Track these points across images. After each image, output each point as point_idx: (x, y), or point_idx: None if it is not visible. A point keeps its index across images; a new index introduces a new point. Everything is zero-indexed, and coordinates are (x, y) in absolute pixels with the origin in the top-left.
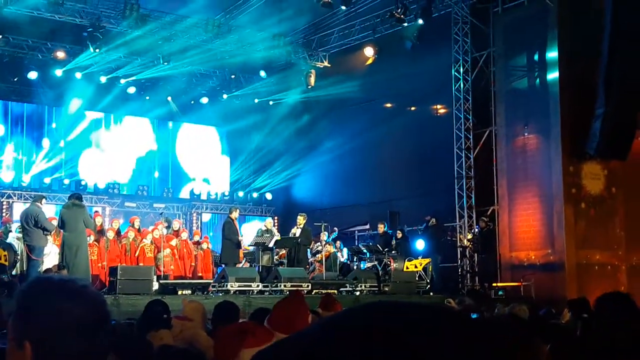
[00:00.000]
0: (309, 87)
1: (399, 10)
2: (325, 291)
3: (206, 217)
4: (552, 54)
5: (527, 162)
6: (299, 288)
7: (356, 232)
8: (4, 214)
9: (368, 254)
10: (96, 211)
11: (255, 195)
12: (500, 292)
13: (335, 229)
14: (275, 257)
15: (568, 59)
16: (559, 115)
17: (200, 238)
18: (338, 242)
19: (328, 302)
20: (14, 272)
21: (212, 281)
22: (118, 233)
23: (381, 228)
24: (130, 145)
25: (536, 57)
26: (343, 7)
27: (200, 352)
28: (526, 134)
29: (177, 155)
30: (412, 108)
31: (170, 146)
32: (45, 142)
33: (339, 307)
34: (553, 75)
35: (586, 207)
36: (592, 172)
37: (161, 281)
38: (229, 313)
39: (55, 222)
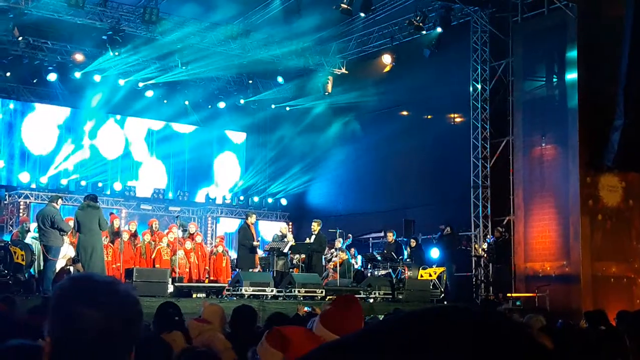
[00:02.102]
0: (326, 93)
1: (418, 18)
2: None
3: (225, 226)
4: (571, 65)
5: (544, 173)
6: (314, 294)
7: (370, 239)
8: (21, 214)
9: (382, 261)
10: (111, 213)
11: (270, 200)
12: (517, 303)
13: (350, 235)
14: (295, 260)
15: (587, 70)
16: (577, 126)
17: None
18: (352, 249)
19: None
20: (31, 271)
21: (226, 285)
22: (134, 235)
23: (390, 237)
24: (146, 148)
25: (555, 67)
26: (362, 15)
27: (215, 353)
28: (544, 145)
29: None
30: (429, 116)
31: (185, 150)
32: (63, 143)
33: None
34: (571, 85)
35: (603, 219)
36: (610, 184)
37: (176, 284)
38: (247, 317)
39: (71, 223)
